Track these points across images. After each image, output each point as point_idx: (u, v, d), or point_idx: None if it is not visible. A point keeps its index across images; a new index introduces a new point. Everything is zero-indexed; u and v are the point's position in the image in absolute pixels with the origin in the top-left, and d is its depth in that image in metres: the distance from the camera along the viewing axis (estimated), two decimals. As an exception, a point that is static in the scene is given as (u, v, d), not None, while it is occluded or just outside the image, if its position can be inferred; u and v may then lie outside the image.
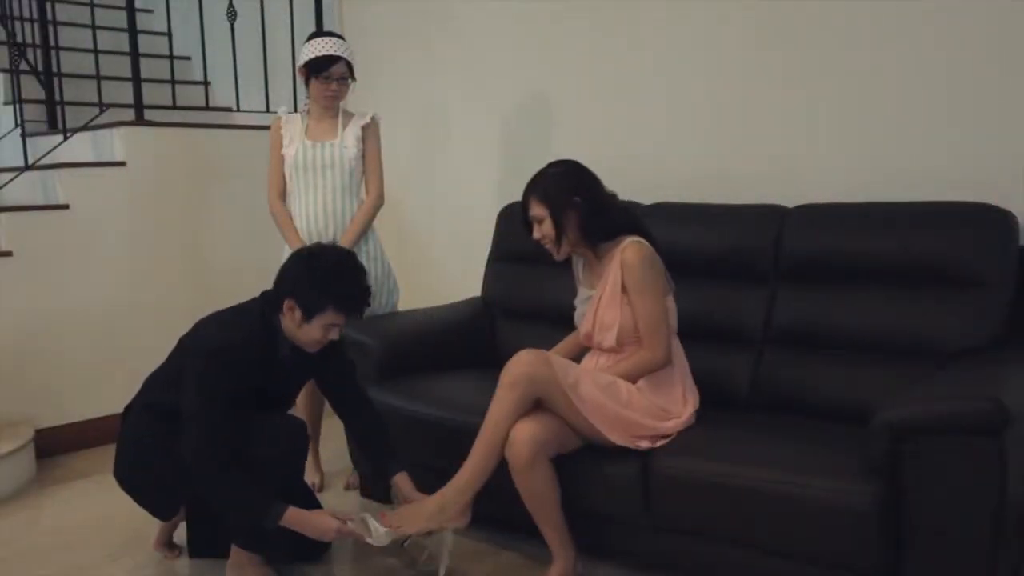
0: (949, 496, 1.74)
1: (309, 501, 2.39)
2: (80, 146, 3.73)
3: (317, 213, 2.92)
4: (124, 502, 2.39)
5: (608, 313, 2.29)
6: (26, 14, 4.19)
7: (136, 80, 3.65)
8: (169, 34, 4.55)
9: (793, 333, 2.50)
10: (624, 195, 2.84)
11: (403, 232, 3.94)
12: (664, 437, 2.20)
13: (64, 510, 2.92)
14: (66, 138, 3.70)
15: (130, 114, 3.65)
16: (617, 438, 2.16)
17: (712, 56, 2.93)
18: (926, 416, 1.77)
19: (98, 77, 3.80)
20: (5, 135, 3.97)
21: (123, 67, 3.79)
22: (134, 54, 3.64)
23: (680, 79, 3.02)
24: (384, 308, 3.04)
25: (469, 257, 3.54)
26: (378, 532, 2.18)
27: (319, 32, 3.19)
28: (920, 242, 2.32)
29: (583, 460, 2.21)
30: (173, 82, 3.95)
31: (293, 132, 2.96)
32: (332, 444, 3.16)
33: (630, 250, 2.25)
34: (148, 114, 3.70)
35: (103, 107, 3.69)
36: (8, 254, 3.30)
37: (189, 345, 2.25)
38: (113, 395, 2.94)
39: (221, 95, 4.48)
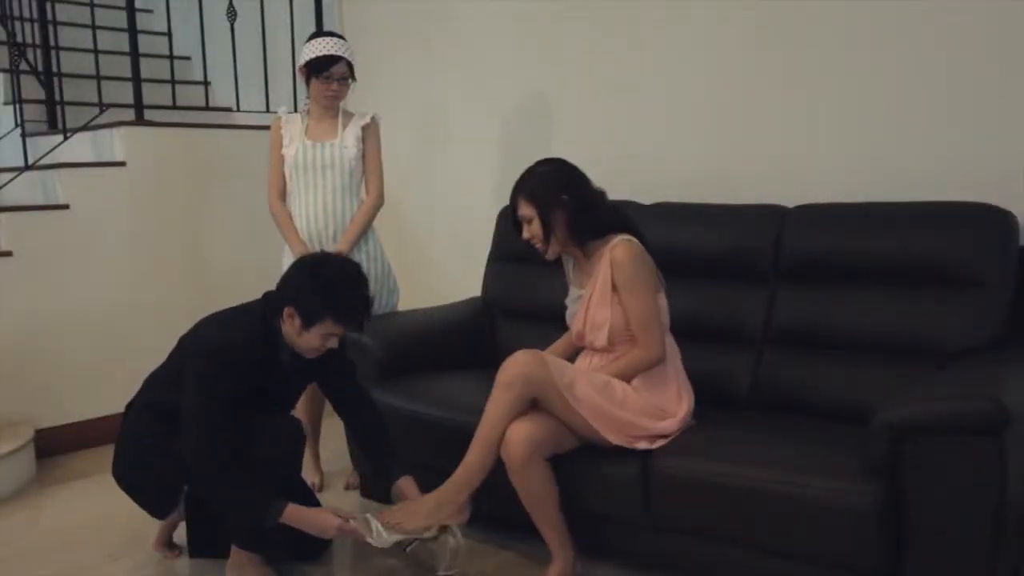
0: (949, 496, 1.74)
1: (309, 500, 2.39)
2: (80, 146, 3.73)
3: (317, 213, 2.92)
4: (124, 502, 2.39)
5: (599, 312, 2.28)
6: (26, 14, 4.19)
7: (136, 80, 3.65)
8: (169, 34, 4.55)
9: (793, 333, 2.50)
10: (624, 195, 2.85)
11: (403, 232, 3.94)
12: (662, 437, 2.20)
13: (64, 510, 2.92)
14: (66, 138, 3.70)
15: (130, 114, 3.65)
16: (614, 438, 2.16)
17: (712, 56, 2.93)
18: (926, 416, 1.77)
19: (98, 77, 3.80)
20: (5, 135, 3.97)
21: (123, 67, 3.79)
22: (134, 54, 3.64)
23: (680, 79, 3.02)
24: (384, 308, 3.04)
25: (469, 257, 3.54)
26: (380, 532, 2.18)
27: (319, 32, 3.20)
28: (920, 242, 2.32)
29: (583, 460, 2.21)
30: (173, 82, 3.95)
31: (293, 132, 2.96)
32: (332, 444, 3.16)
33: (619, 249, 2.25)
34: (148, 114, 3.70)
35: (103, 107, 3.69)
36: (8, 254, 3.30)
37: (189, 345, 2.25)
38: (113, 395, 2.94)
39: (221, 95, 4.48)
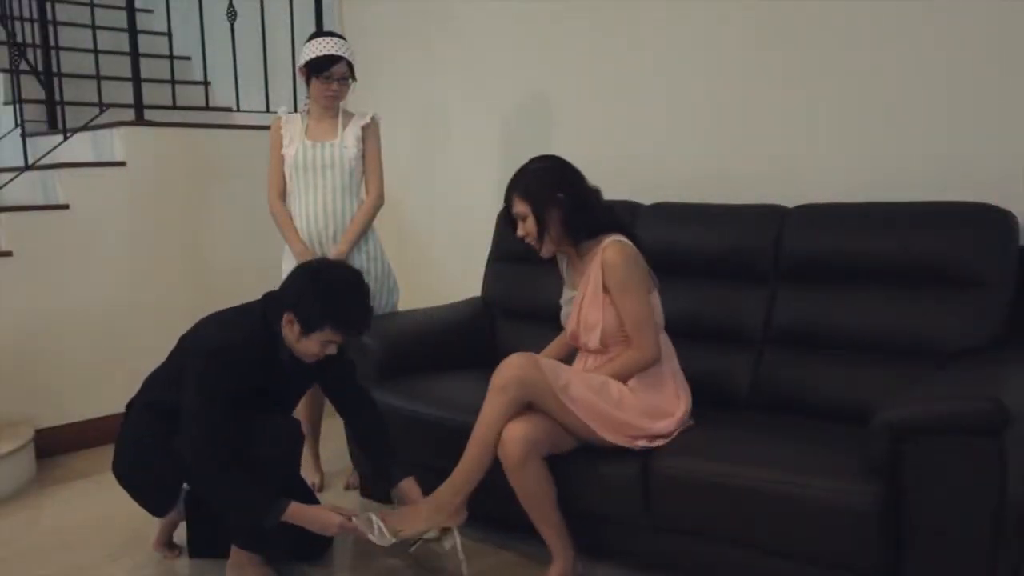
0: (949, 496, 1.74)
1: (308, 500, 2.39)
2: (80, 146, 3.73)
3: (317, 213, 2.92)
4: (124, 502, 2.39)
5: (591, 313, 2.28)
6: (26, 14, 4.19)
7: (136, 80, 3.65)
8: (169, 34, 4.56)
9: (793, 333, 2.50)
10: (624, 195, 2.86)
11: (403, 232, 3.94)
12: (661, 437, 2.20)
13: (64, 510, 2.92)
14: (66, 138, 3.70)
15: (130, 114, 3.65)
16: (612, 437, 2.16)
17: (712, 56, 2.93)
18: (926, 416, 1.77)
19: (98, 77, 3.80)
20: (5, 135, 3.97)
21: (123, 67, 3.79)
22: (134, 54, 3.64)
23: (680, 79, 3.02)
24: (384, 308, 3.04)
25: (469, 257, 3.54)
26: (382, 531, 2.18)
27: (320, 32, 3.19)
28: (920, 242, 2.32)
29: (583, 460, 2.21)
30: (173, 82, 3.95)
31: (293, 132, 2.96)
32: (332, 444, 3.16)
33: (610, 250, 2.23)
34: (148, 114, 3.70)
35: (103, 107, 3.69)
36: (8, 254, 3.30)
37: (190, 345, 2.25)
38: (113, 395, 2.94)
39: (221, 95, 4.48)
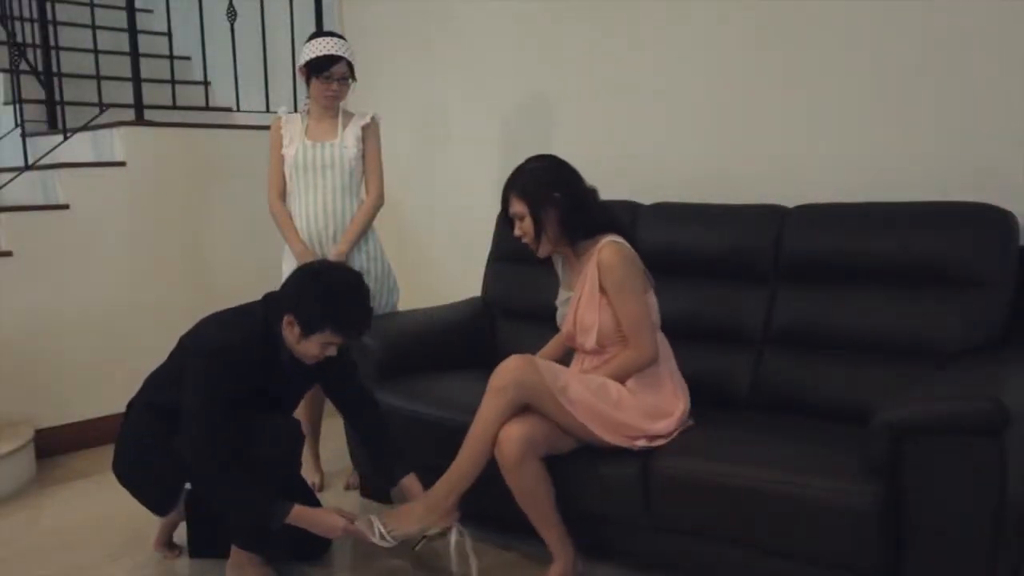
0: (949, 496, 1.74)
1: (309, 500, 2.40)
2: (80, 146, 3.73)
3: (317, 213, 2.92)
4: (124, 502, 2.39)
5: (587, 314, 2.27)
6: (26, 14, 4.19)
7: (136, 80, 3.65)
8: (169, 34, 4.56)
9: (793, 333, 2.50)
10: (624, 195, 2.86)
11: (403, 232, 3.94)
12: (661, 437, 2.20)
13: (64, 510, 2.92)
14: (66, 138, 3.70)
15: (130, 114, 3.65)
16: (611, 438, 2.16)
17: (712, 56, 2.93)
18: (926, 416, 1.77)
19: (98, 77, 3.80)
20: (5, 135, 3.97)
21: (123, 67, 3.79)
22: (134, 54, 3.64)
23: (680, 79, 3.02)
24: (384, 308, 3.04)
25: (469, 257, 3.54)
26: (383, 534, 2.19)
27: (320, 32, 3.19)
28: (920, 242, 2.32)
29: (582, 461, 2.21)
30: (173, 82, 3.95)
31: (293, 132, 2.96)
32: (332, 444, 3.16)
33: (606, 251, 2.23)
34: (148, 114, 3.70)
35: (103, 107, 3.69)
36: (8, 254, 3.30)
37: (190, 345, 2.25)
38: (113, 395, 2.94)
39: (221, 95, 4.48)
